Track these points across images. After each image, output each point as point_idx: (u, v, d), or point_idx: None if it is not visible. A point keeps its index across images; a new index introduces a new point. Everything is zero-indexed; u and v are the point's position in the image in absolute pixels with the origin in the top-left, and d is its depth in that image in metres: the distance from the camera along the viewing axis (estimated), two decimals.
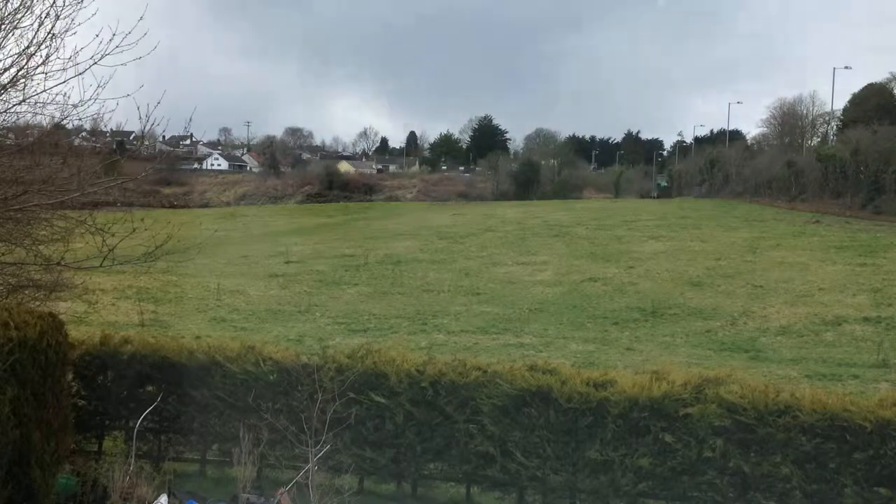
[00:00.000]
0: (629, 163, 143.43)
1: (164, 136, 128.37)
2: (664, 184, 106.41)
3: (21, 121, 11.09)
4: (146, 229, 10.97)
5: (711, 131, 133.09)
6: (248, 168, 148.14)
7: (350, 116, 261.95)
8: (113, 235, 10.65)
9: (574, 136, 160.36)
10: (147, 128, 10.28)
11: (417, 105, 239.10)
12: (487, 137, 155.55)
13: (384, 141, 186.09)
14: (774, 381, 14.16)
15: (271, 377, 11.04)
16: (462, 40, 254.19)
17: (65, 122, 10.82)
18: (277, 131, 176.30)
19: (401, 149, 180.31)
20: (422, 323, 27.77)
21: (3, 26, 9.91)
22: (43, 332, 9.25)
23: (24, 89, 10.12)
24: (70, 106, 10.15)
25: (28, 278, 11.98)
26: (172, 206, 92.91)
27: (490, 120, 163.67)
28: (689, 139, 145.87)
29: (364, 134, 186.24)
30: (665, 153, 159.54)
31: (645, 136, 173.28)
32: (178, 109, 11.22)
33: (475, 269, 40.26)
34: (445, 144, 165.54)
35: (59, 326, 9.83)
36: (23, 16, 9.88)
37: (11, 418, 8.67)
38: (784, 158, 79.10)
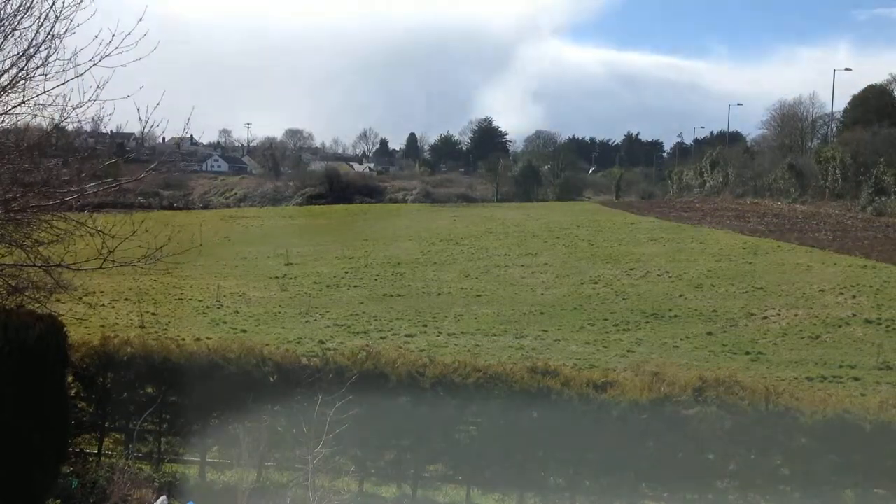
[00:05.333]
0: (629, 164, 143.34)
1: (163, 138, 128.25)
2: None
3: (21, 122, 11.07)
4: (147, 230, 10.96)
5: (711, 133, 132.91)
6: (249, 170, 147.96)
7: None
8: (113, 237, 10.63)
9: (574, 137, 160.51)
10: (147, 129, 10.28)
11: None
12: (487, 139, 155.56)
13: (384, 143, 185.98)
14: (775, 383, 14.14)
15: (271, 379, 11.04)
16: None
17: (64, 123, 10.80)
18: (277, 133, 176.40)
19: (401, 150, 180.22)
20: (422, 325, 27.75)
21: (2, 28, 9.90)
22: (43, 333, 9.25)
23: (23, 91, 10.11)
24: (70, 107, 10.13)
25: (28, 280, 11.97)
26: (172, 208, 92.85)
27: (490, 122, 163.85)
28: (689, 141, 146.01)
29: (364, 135, 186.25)
30: (665, 155, 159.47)
31: (644, 137, 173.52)
32: None
33: (475, 270, 40.25)
34: (445, 146, 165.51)
35: (60, 328, 9.83)
36: (22, 17, 9.87)
37: (11, 420, 8.67)
38: (785, 160, 79.07)
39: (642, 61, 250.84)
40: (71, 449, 10.82)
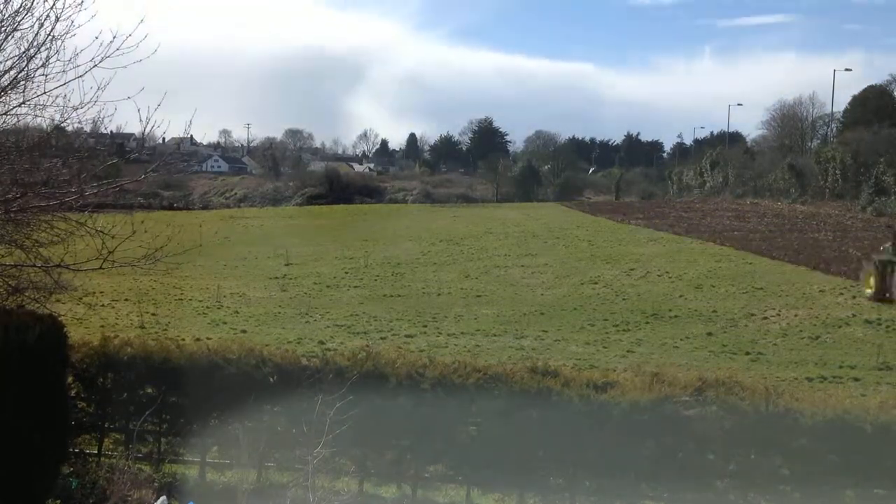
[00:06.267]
0: (629, 164, 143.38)
1: (164, 139, 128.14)
2: None
3: (21, 123, 11.07)
4: (146, 231, 10.97)
5: (711, 133, 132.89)
6: (249, 170, 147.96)
7: None
8: (113, 238, 10.63)
9: (574, 137, 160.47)
10: (147, 130, 10.29)
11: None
12: (487, 139, 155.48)
13: (384, 143, 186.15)
14: (775, 383, 14.15)
15: (271, 379, 11.04)
16: None
17: (65, 124, 10.80)
18: (277, 133, 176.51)
19: (401, 151, 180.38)
20: (422, 325, 27.74)
21: (2, 28, 9.90)
22: (43, 334, 9.26)
23: (24, 91, 10.11)
24: (70, 108, 10.13)
25: (28, 280, 11.97)
26: (172, 208, 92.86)
27: (490, 122, 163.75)
28: (688, 141, 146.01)
29: (364, 136, 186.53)
30: (665, 155, 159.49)
31: (644, 138, 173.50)
32: None
33: (475, 271, 40.26)
34: (445, 146, 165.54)
35: (60, 329, 9.84)
36: (23, 18, 9.88)
37: (12, 419, 8.68)
38: (784, 160, 79.07)
39: (531, 65, 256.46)
40: (71, 449, 10.82)
